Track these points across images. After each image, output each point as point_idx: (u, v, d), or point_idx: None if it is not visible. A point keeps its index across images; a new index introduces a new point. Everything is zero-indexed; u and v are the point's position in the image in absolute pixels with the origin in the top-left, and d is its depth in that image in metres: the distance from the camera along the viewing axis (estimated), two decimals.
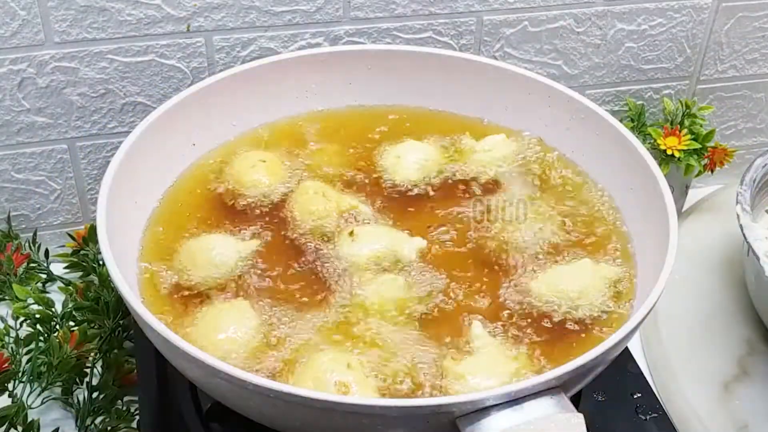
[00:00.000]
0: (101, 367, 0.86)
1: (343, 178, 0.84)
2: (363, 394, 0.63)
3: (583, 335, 0.70)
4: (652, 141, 1.03)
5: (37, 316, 0.87)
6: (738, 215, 0.89)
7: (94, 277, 0.94)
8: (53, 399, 0.84)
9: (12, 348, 0.84)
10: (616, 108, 1.10)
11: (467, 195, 0.83)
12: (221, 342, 0.67)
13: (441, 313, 0.71)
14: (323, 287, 0.73)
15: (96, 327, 0.88)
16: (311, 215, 0.78)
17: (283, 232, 0.78)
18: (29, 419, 0.79)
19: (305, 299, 0.72)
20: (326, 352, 0.67)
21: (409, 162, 0.84)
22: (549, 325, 0.71)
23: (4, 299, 0.93)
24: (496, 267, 0.76)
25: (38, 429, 0.79)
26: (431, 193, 0.83)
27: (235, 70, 0.86)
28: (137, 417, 0.83)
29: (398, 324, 0.70)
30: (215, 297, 0.72)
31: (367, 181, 0.84)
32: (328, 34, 0.95)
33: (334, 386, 0.63)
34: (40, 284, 0.96)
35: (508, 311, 0.72)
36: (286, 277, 0.74)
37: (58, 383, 0.83)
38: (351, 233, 0.76)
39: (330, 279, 0.73)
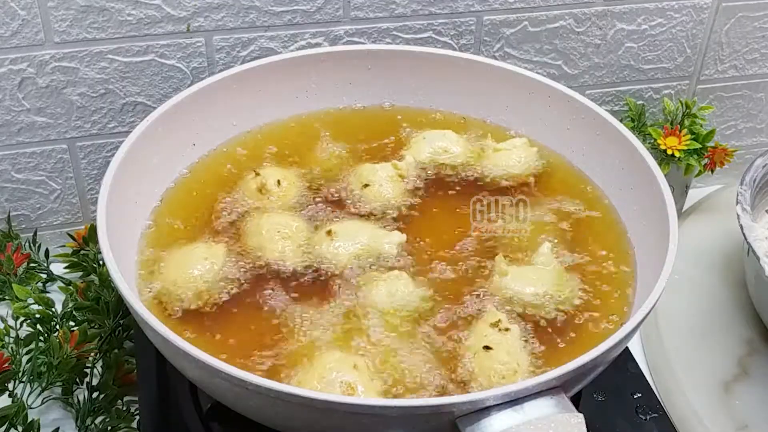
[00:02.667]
0: (101, 367, 0.86)
1: (335, 184, 0.83)
2: (368, 395, 0.63)
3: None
4: (652, 141, 1.03)
5: (37, 316, 0.87)
6: (738, 215, 0.89)
7: (94, 277, 0.94)
8: (53, 399, 0.84)
9: (12, 348, 0.84)
10: (616, 108, 1.10)
11: (479, 192, 0.83)
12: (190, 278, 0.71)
13: (446, 313, 0.71)
14: (325, 286, 0.73)
15: (96, 327, 0.88)
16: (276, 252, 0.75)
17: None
18: (29, 419, 0.79)
19: (308, 298, 0.72)
20: (333, 352, 0.67)
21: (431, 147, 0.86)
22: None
23: (4, 299, 0.93)
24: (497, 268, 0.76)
25: (38, 429, 0.79)
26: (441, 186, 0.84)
27: (235, 70, 0.86)
28: (137, 417, 0.83)
29: (404, 326, 0.70)
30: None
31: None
32: (328, 34, 0.95)
33: (340, 387, 0.63)
34: (40, 284, 0.96)
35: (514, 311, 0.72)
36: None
37: (58, 383, 0.83)
38: (329, 233, 0.75)
39: (332, 278, 0.73)
